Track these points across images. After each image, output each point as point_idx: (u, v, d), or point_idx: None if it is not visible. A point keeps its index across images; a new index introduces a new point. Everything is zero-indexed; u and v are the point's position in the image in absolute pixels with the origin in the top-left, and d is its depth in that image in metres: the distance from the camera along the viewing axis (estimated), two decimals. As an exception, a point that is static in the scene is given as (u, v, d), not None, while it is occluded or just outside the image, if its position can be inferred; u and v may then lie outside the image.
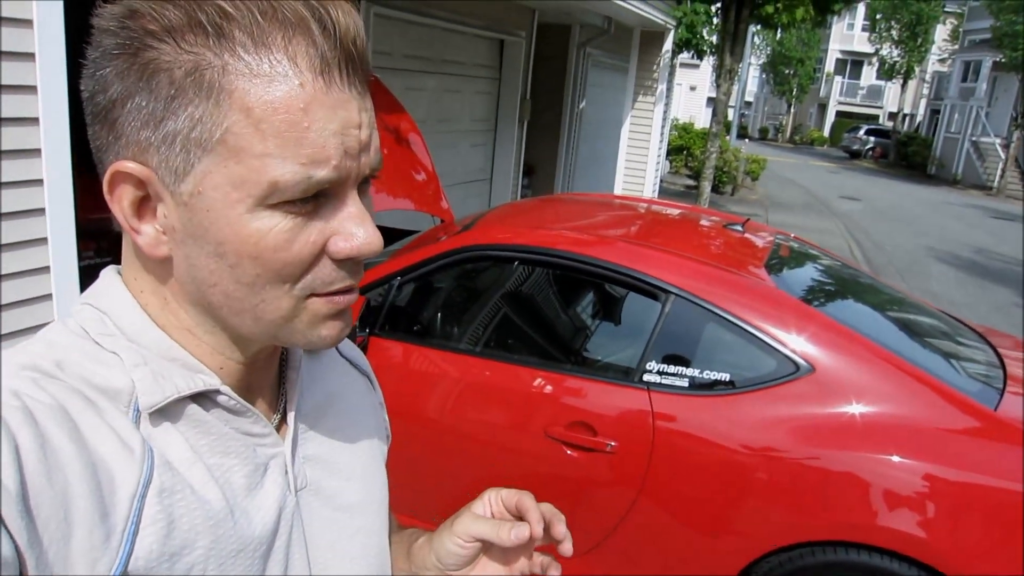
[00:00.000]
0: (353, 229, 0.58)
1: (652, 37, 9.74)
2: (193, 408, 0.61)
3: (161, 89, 0.53)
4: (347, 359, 0.86)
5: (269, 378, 0.71)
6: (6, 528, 0.45)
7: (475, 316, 2.97)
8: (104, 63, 0.54)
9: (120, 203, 0.58)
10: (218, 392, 0.62)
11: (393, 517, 0.95)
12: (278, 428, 0.70)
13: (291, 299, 0.59)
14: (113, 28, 0.53)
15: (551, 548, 0.78)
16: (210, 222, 0.55)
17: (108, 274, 0.65)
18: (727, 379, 2.48)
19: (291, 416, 0.70)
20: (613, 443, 2.49)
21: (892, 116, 40.59)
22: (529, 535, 0.72)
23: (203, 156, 0.54)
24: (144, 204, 0.58)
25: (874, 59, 38.17)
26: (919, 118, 39.82)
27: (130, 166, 0.56)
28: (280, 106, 0.53)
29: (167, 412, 0.59)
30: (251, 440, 0.65)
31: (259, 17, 0.53)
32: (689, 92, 24.53)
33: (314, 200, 0.56)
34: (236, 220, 0.55)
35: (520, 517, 0.75)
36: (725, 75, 10.80)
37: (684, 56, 10.56)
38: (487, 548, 0.77)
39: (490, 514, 0.77)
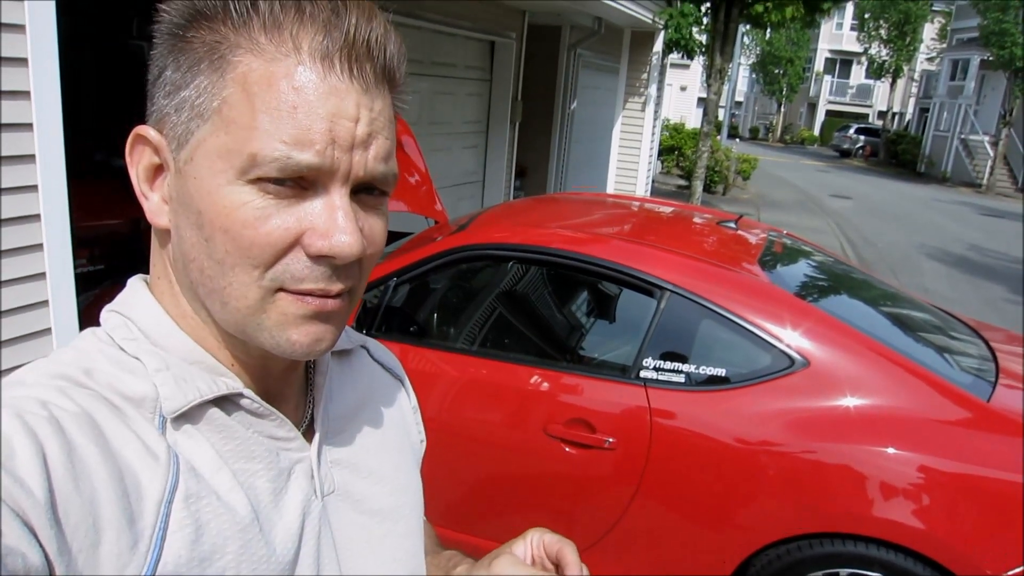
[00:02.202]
0: (331, 227, 0.56)
1: (642, 38, 9.78)
2: (216, 412, 0.61)
3: (184, 62, 0.56)
4: (379, 363, 0.86)
5: (293, 384, 0.70)
6: (36, 536, 0.46)
7: (472, 315, 2.98)
8: (159, 44, 0.58)
9: (137, 166, 0.60)
10: (241, 395, 0.62)
11: (434, 531, 0.95)
12: (306, 433, 0.69)
13: (259, 289, 0.57)
14: (169, 13, 0.57)
15: None
16: (195, 190, 0.56)
17: (134, 282, 0.66)
18: (723, 374, 2.49)
19: (318, 420, 0.70)
20: (611, 440, 2.51)
21: (881, 115, 40.81)
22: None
23: (201, 124, 0.56)
24: (157, 172, 0.60)
25: (863, 58, 38.40)
26: (908, 116, 39.99)
27: (150, 131, 0.59)
28: (275, 83, 0.54)
29: (191, 416, 0.59)
30: (275, 444, 0.64)
31: (279, 5, 0.55)
32: (680, 92, 24.62)
33: (297, 187, 0.56)
34: (215, 190, 0.55)
35: (557, 565, 0.75)
36: (715, 75, 10.83)
37: (674, 56, 10.58)
38: None
39: (530, 558, 0.77)
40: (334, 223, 0.56)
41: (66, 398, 0.54)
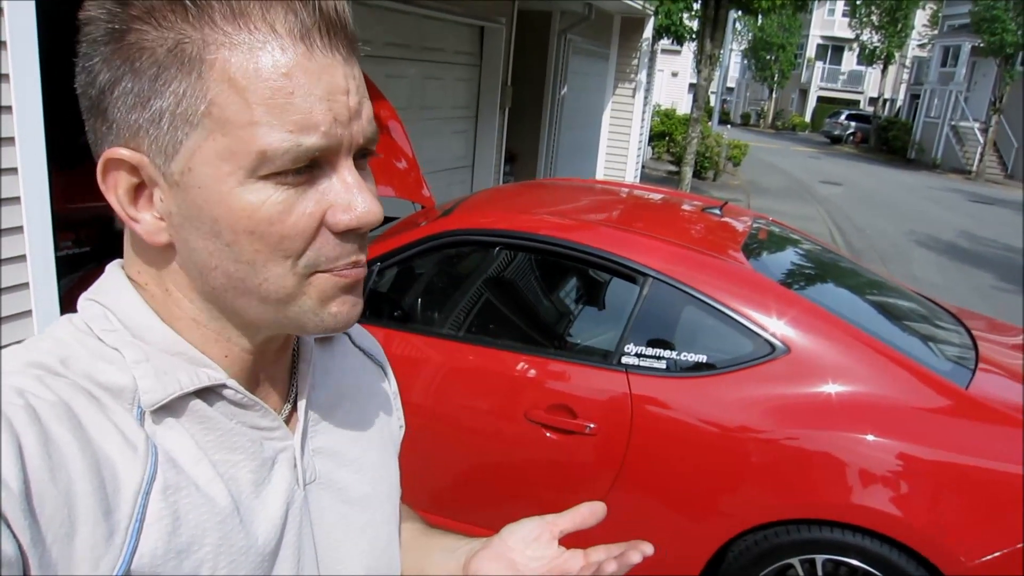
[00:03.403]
0: (351, 199, 0.57)
1: (632, 23, 9.75)
2: (198, 404, 0.60)
3: (145, 69, 0.52)
4: (361, 348, 0.85)
5: (280, 370, 0.69)
6: (9, 527, 0.45)
7: (456, 301, 2.99)
8: (92, 54, 0.54)
9: (115, 191, 0.57)
10: (224, 386, 0.61)
11: (416, 514, 0.95)
12: (288, 420, 0.68)
13: (295, 276, 0.57)
14: (99, 16, 0.53)
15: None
16: (203, 199, 0.54)
17: (112, 269, 0.63)
18: (704, 361, 2.51)
19: (301, 408, 0.69)
20: (592, 425, 2.52)
21: (873, 101, 40.84)
22: (604, 512, 0.75)
23: (190, 132, 0.53)
24: (140, 191, 0.57)
25: (855, 44, 38.32)
26: (899, 103, 40.05)
27: (122, 152, 0.55)
28: (263, 73, 0.52)
29: (171, 408, 0.58)
30: (259, 434, 0.64)
31: None
32: (671, 78, 24.57)
33: (308, 171, 0.55)
34: (228, 194, 0.54)
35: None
36: (706, 61, 10.82)
37: (665, 42, 10.56)
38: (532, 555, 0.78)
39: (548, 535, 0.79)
40: (352, 196, 0.57)
41: (43, 387, 0.53)
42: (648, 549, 0.73)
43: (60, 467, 0.49)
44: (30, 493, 0.47)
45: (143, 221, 0.57)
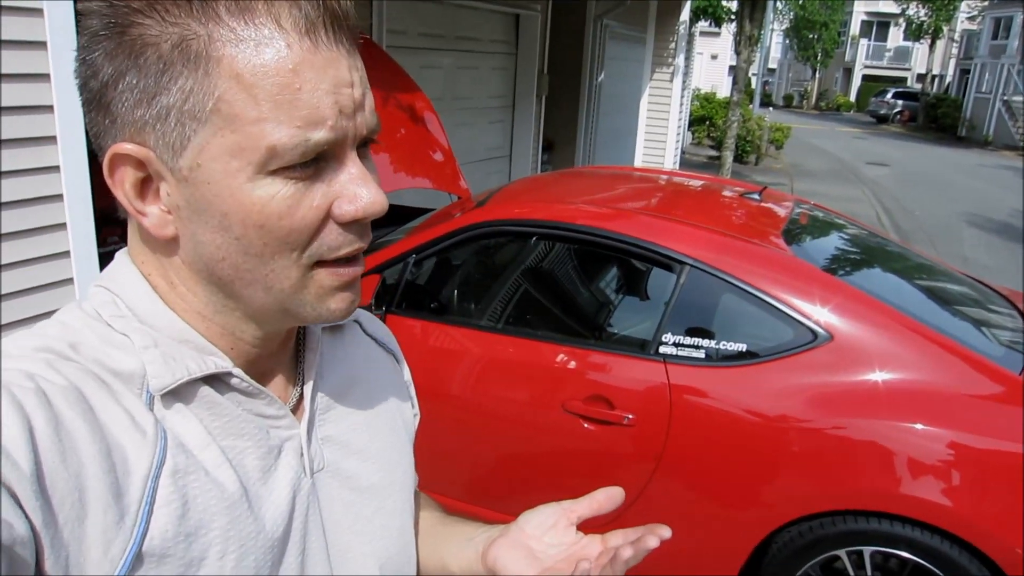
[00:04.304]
0: (356, 190, 0.58)
1: (669, 6, 9.61)
2: (206, 390, 0.61)
3: (150, 65, 0.53)
4: (372, 337, 0.85)
5: (285, 360, 0.70)
6: (21, 507, 0.46)
7: (491, 291, 2.98)
8: (93, 47, 0.54)
9: (122, 186, 0.57)
10: (230, 374, 0.62)
11: (436, 502, 0.95)
12: (295, 410, 0.69)
13: (299, 268, 0.58)
14: (98, 9, 0.53)
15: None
16: (212, 195, 0.55)
17: (121, 256, 0.64)
18: (744, 349, 2.46)
19: (307, 397, 0.70)
20: (631, 416, 2.49)
21: (920, 78, 39.85)
22: (623, 496, 0.75)
23: (198, 128, 0.54)
24: (146, 185, 0.58)
25: (901, 20, 37.38)
26: (948, 79, 38.97)
27: (128, 147, 0.55)
28: (269, 69, 0.52)
29: (180, 394, 0.59)
30: (265, 422, 0.64)
31: None
32: (710, 61, 24.20)
33: (314, 164, 0.56)
34: (238, 190, 0.54)
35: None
36: (745, 42, 10.62)
37: (703, 24, 10.39)
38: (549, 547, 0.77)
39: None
40: (358, 187, 0.58)
41: (53, 371, 0.53)
42: (665, 532, 0.71)
43: (71, 450, 0.50)
44: (42, 474, 0.48)
45: (150, 215, 0.58)
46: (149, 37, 0.52)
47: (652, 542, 0.70)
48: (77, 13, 0.57)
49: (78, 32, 0.55)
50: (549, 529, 0.77)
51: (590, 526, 0.76)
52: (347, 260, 0.61)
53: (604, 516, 0.77)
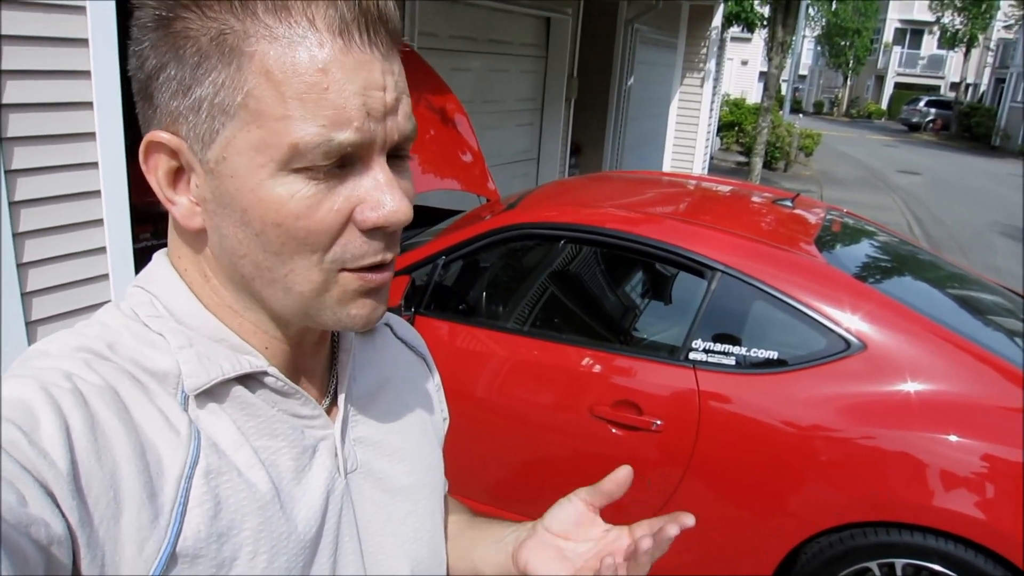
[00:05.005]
0: (380, 197, 0.56)
1: (701, 11, 9.56)
2: (239, 390, 0.61)
3: (189, 57, 0.53)
4: (403, 340, 0.86)
5: (319, 361, 0.70)
6: (58, 506, 0.46)
7: (521, 295, 2.97)
8: (142, 38, 0.55)
9: (155, 173, 0.58)
10: (265, 374, 0.62)
11: (463, 505, 0.95)
12: (329, 411, 0.69)
13: (321, 271, 0.57)
14: (148, 3, 0.54)
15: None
16: (235, 189, 0.55)
17: (159, 257, 0.65)
18: (775, 357, 2.44)
19: (341, 398, 0.70)
20: (659, 422, 2.48)
21: (954, 86, 39.27)
22: (630, 477, 0.74)
23: (227, 122, 0.54)
24: (179, 176, 0.58)
25: (935, 28, 36.84)
26: (983, 88, 38.38)
27: (163, 135, 0.56)
28: (299, 67, 0.52)
29: (213, 394, 0.59)
30: (299, 422, 0.64)
31: None
32: (741, 67, 24.02)
33: (340, 166, 0.55)
34: (258, 186, 0.54)
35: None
36: (777, 48, 10.54)
37: (735, 30, 10.33)
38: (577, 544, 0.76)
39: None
40: (382, 194, 0.56)
41: (90, 371, 0.54)
42: (688, 520, 0.70)
43: (106, 449, 0.51)
44: (78, 474, 0.48)
45: (179, 204, 0.59)
46: (190, 31, 0.53)
47: (672, 530, 0.69)
48: (132, 6, 0.58)
49: (132, 25, 0.56)
50: (574, 526, 0.76)
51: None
52: (373, 268, 0.59)
53: (629, 522, 0.75)
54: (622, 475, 0.76)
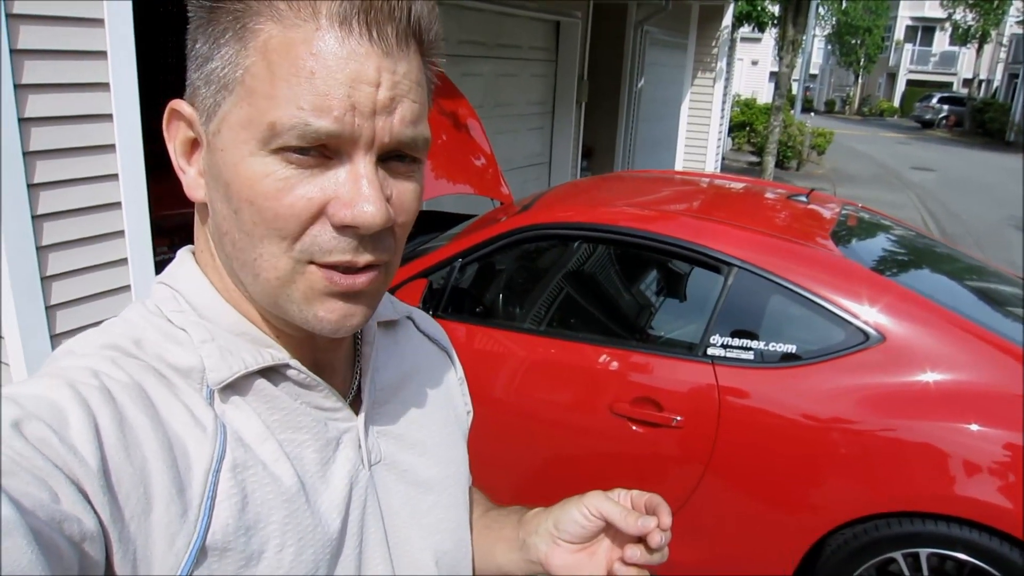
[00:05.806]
0: (354, 196, 0.54)
1: (711, 12, 9.56)
2: (262, 383, 0.61)
3: (211, 34, 0.56)
4: (425, 334, 0.86)
5: (341, 354, 0.70)
6: (89, 502, 0.47)
7: (537, 295, 2.99)
8: (191, 21, 0.58)
9: (174, 140, 0.61)
10: (287, 366, 0.62)
11: (483, 494, 0.95)
12: (352, 403, 0.69)
13: (289, 260, 0.56)
14: None
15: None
16: (223, 162, 0.56)
17: (182, 253, 0.66)
18: (794, 351, 2.43)
19: (365, 391, 0.70)
20: (679, 418, 2.48)
21: (967, 83, 38.98)
22: (654, 527, 0.70)
23: (227, 96, 0.55)
24: (195, 147, 0.60)
25: (947, 24, 36.61)
26: (996, 84, 38.07)
27: (183, 105, 0.59)
28: (293, 50, 0.53)
29: (237, 387, 0.60)
30: (323, 415, 0.65)
31: None
32: (751, 67, 23.98)
33: (321, 156, 0.54)
34: (240, 161, 0.55)
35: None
36: (788, 47, 10.52)
37: (745, 30, 10.32)
38: (602, 536, 0.77)
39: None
40: (358, 192, 0.54)
41: (117, 368, 0.55)
42: (653, 522, 0.72)
43: (134, 445, 0.51)
44: (108, 470, 0.49)
45: (188, 173, 0.61)
46: (222, 10, 0.55)
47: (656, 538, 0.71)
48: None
49: (187, 8, 0.59)
50: (584, 535, 0.77)
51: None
52: (346, 269, 0.57)
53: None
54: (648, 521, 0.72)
